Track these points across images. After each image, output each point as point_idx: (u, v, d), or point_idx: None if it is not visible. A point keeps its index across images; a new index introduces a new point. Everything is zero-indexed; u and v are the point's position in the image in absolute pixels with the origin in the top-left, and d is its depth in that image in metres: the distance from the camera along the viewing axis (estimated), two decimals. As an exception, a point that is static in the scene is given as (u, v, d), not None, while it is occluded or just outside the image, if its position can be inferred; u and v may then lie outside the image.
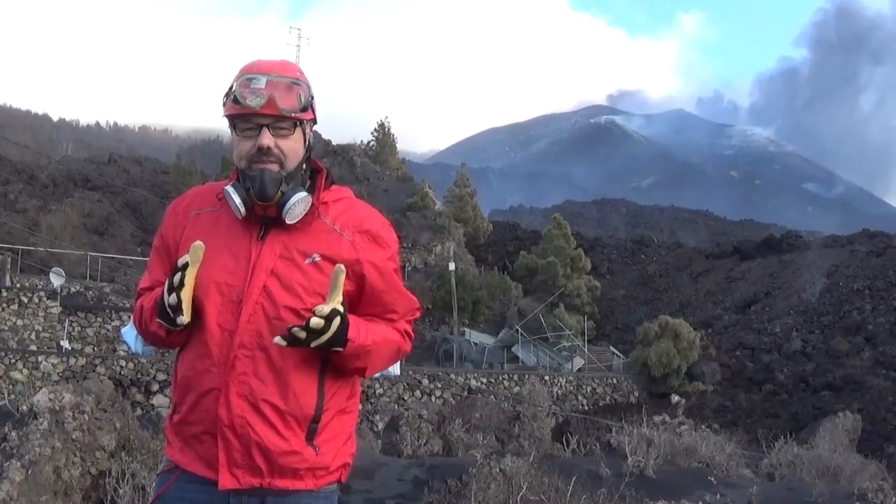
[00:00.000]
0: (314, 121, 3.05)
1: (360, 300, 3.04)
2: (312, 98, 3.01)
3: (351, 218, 3.05)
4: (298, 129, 2.97)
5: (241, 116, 2.92)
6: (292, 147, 2.95)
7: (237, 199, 2.90)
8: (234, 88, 2.91)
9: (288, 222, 2.92)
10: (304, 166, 3.04)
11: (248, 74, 2.91)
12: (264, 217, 2.95)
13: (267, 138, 2.89)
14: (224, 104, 2.95)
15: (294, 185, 2.95)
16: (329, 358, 2.94)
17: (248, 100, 2.86)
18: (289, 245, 2.95)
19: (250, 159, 2.92)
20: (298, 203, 2.91)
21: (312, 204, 2.97)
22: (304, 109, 2.95)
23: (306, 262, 2.93)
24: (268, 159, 2.90)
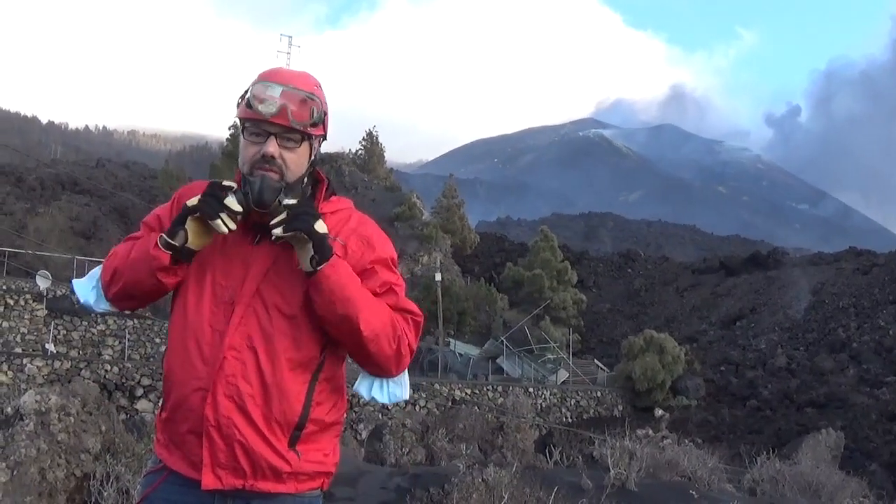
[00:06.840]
0: (324, 136, 3.07)
1: None
2: (325, 114, 3.02)
3: (347, 224, 3.08)
4: (306, 143, 2.99)
5: (252, 121, 2.93)
6: (296, 160, 2.97)
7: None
8: (249, 92, 2.93)
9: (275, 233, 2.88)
10: (304, 180, 3.05)
11: (265, 81, 2.93)
12: (260, 224, 2.93)
13: (272, 147, 2.91)
14: (238, 105, 2.98)
15: (293, 197, 2.93)
16: (322, 364, 2.99)
17: (259, 106, 2.88)
18: (284, 251, 2.94)
19: (253, 164, 2.93)
20: None
21: None
22: (314, 125, 2.97)
23: (300, 267, 2.91)
24: (269, 167, 2.91)
